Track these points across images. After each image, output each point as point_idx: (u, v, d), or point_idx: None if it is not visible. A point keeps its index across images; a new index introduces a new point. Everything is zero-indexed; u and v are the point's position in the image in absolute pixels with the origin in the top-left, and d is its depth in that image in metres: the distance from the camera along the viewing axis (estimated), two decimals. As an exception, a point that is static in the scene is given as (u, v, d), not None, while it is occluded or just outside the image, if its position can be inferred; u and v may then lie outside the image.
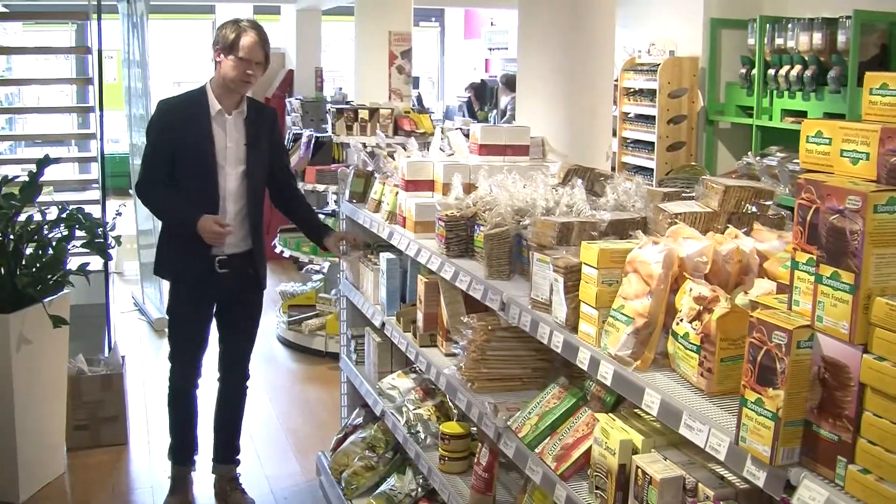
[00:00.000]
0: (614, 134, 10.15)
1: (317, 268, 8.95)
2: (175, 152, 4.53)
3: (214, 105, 4.56)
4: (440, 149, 4.52)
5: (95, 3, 6.97)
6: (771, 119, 7.76)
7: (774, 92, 7.74)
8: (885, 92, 1.78)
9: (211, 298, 4.79)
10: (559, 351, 2.62)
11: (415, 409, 4.09)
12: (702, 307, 2.12)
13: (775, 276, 2.14)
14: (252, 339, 4.97)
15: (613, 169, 9.65)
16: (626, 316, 2.31)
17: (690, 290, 2.18)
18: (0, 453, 4.88)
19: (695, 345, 2.11)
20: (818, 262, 1.70)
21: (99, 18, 7.03)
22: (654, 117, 9.14)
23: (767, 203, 2.73)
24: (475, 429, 3.61)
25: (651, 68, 9.24)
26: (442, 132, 4.71)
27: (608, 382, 2.35)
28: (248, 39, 4.44)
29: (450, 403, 4.00)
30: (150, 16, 8.53)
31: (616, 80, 10.02)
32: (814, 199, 1.71)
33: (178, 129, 4.54)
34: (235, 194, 4.61)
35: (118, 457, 5.58)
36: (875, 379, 1.60)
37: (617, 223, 2.83)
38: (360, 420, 5.01)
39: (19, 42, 14.55)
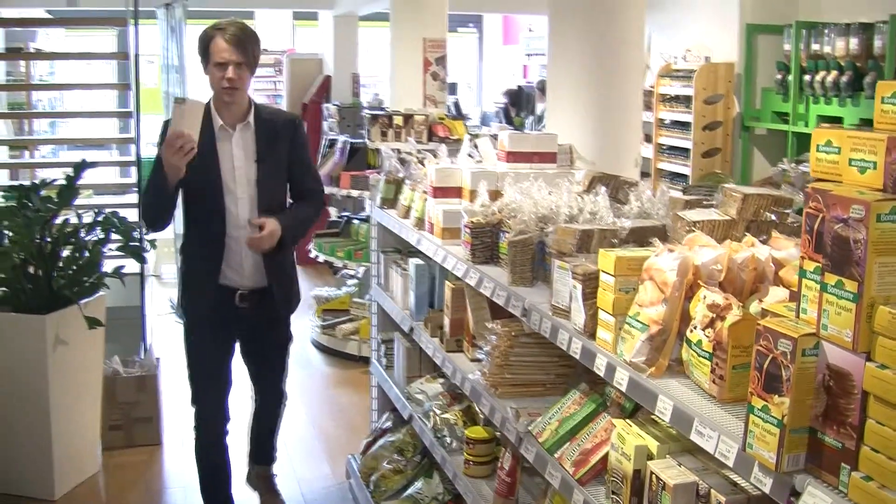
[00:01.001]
0: (649, 140, 10.14)
1: (351, 272, 9.00)
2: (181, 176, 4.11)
3: (216, 121, 4.16)
4: (469, 155, 4.55)
5: (133, 9, 7.08)
6: (807, 125, 7.72)
7: (811, 98, 7.71)
8: (897, 101, 1.79)
9: (232, 334, 4.46)
10: (578, 357, 2.65)
11: (442, 414, 4.12)
12: (715, 315, 2.13)
13: (790, 284, 2.16)
14: (283, 366, 4.71)
15: (648, 175, 9.65)
16: (641, 323, 2.33)
17: (704, 297, 2.20)
18: (36, 450, 4.98)
19: (707, 352, 2.13)
20: (824, 271, 1.71)
21: (136, 24, 7.14)
22: (689, 124, 9.12)
23: (787, 211, 2.74)
24: (500, 434, 3.64)
25: (687, 74, 9.22)
26: (471, 139, 4.74)
27: (623, 388, 2.37)
28: (217, 41, 4.03)
29: (476, 408, 4.03)
30: (189, 21, 8.63)
31: (652, 87, 10.02)
32: (820, 208, 1.73)
33: None
34: (248, 219, 4.18)
35: (152, 457, 5.67)
36: (877, 387, 1.61)
37: (637, 231, 2.85)
38: (389, 424, 5.05)
39: (62, 47, 14.75)
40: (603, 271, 2.52)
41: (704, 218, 2.68)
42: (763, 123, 8.64)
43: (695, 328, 2.19)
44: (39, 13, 11.31)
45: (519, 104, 13.63)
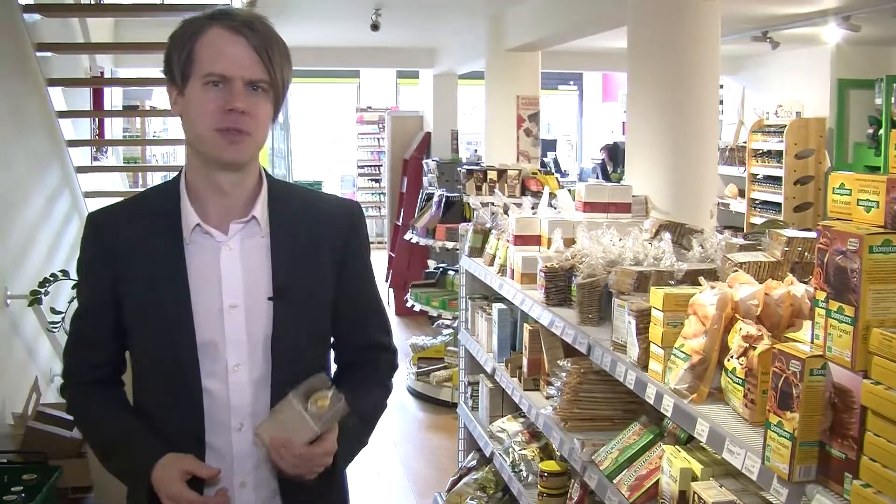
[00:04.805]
0: (743, 195, 10.25)
1: (447, 322, 9.28)
2: (122, 319, 2.23)
3: (189, 216, 2.20)
4: (551, 206, 4.79)
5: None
6: (897, 179, 7.74)
7: (901, 152, 7.75)
8: (907, 148, 1.99)
9: None
10: (632, 387, 2.85)
11: (520, 450, 4.33)
12: (748, 345, 2.33)
13: (822, 319, 2.34)
14: None
15: (740, 229, 9.74)
16: (684, 353, 2.54)
17: (740, 329, 2.40)
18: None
19: (741, 378, 2.32)
20: (828, 298, 1.91)
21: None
22: (781, 178, 9.22)
23: (831, 254, 2.91)
24: (570, 466, 3.83)
25: (778, 129, 9.34)
26: (550, 192, 4.98)
27: (669, 414, 2.57)
28: (215, 34, 2.10)
29: (553, 446, 4.23)
30: (296, 80, 9.08)
31: (744, 142, 10.14)
32: (828, 243, 1.93)
33: (120, 274, 2.20)
34: (249, 414, 2.21)
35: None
36: (874, 402, 1.79)
37: (692, 273, 3.05)
38: (473, 463, 5.26)
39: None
40: (653, 307, 2.73)
41: (750, 259, 2.88)
42: (855, 177, 8.66)
43: (731, 357, 2.39)
44: (155, 73, 12.01)
45: (616, 159, 13.83)
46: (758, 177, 9.82)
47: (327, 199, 2.42)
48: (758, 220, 9.66)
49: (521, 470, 4.21)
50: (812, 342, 2.01)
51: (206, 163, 2.18)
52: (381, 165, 17.36)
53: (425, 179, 11.14)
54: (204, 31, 2.10)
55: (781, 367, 1.97)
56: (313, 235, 2.27)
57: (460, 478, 5.25)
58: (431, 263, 10.44)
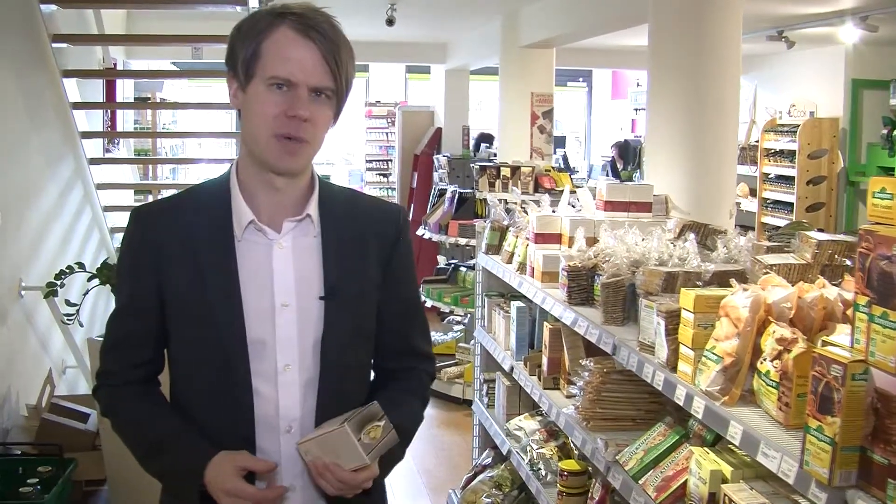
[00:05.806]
0: (754, 194, 10.23)
1: (458, 318, 9.28)
2: (166, 318, 2.19)
3: (242, 212, 2.17)
4: (570, 204, 4.78)
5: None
6: (912, 180, 7.72)
7: (916, 153, 7.74)
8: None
9: None
10: (660, 388, 2.84)
11: (538, 449, 4.33)
12: (783, 348, 2.32)
13: (856, 322, 2.33)
14: None
15: (751, 228, 9.73)
16: (716, 355, 2.53)
17: (774, 332, 2.39)
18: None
19: (775, 381, 2.32)
20: (871, 304, 1.90)
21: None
22: (793, 178, 9.21)
23: (861, 257, 2.90)
24: (591, 466, 3.82)
25: (791, 129, 9.33)
26: (571, 189, 4.97)
27: (700, 416, 2.57)
28: (283, 34, 2.06)
29: (571, 444, 4.22)
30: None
31: (757, 141, 10.13)
32: (870, 248, 1.92)
33: (167, 270, 2.16)
34: (297, 415, 2.19)
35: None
36: (918, 408, 1.79)
37: (720, 274, 3.05)
38: (489, 460, 5.26)
39: (185, 96, 15.50)
40: (684, 308, 2.72)
41: (781, 262, 2.87)
42: (868, 178, 8.65)
43: (764, 360, 2.38)
44: (166, 65, 12.02)
45: (626, 157, 13.82)
46: (770, 176, 9.81)
47: (373, 201, 2.42)
48: (770, 220, 9.65)
49: (540, 468, 4.21)
50: (852, 346, 2.01)
51: (260, 163, 2.16)
52: (390, 160, 17.33)
53: (436, 175, 11.14)
54: (272, 29, 2.07)
55: (822, 371, 1.97)
56: (361, 237, 2.26)
57: (475, 475, 5.25)
58: (441, 259, 10.45)
